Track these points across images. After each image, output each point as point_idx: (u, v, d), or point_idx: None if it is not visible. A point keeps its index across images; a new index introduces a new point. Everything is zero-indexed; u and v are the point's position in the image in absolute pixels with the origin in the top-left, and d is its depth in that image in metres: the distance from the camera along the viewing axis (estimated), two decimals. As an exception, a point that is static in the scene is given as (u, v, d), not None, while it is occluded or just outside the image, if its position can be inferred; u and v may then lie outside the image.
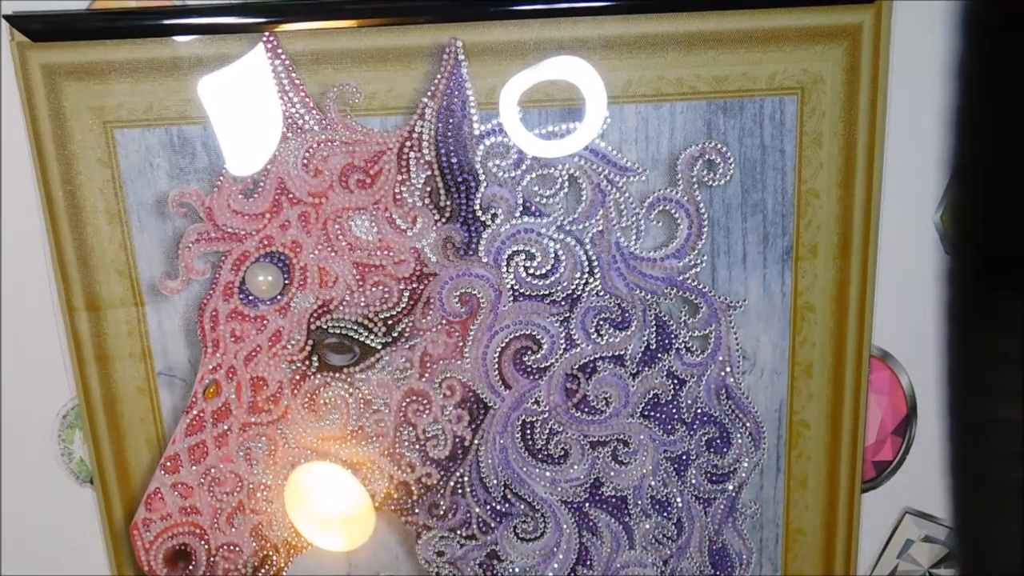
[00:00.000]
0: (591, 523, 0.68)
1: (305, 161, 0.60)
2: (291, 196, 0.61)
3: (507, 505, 0.67)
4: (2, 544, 0.72)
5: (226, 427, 0.64)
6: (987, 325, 0.30)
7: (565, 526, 0.68)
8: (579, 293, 0.63)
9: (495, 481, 0.66)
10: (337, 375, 0.64)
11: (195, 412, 0.64)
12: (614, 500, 0.68)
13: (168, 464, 0.64)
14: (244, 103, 0.60)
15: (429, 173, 0.60)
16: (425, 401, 0.64)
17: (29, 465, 0.69)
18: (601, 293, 0.63)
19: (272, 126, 0.60)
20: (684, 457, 0.67)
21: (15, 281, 0.65)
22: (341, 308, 0.62)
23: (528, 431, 0.66)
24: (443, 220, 0.61)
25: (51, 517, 0.71)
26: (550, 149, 0.61)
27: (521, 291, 0.63)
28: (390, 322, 0.63)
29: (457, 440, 0.65)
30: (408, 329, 0.63)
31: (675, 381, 0.66)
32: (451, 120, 0.60)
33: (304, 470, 0.66)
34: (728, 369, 0.66)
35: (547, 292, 0.63)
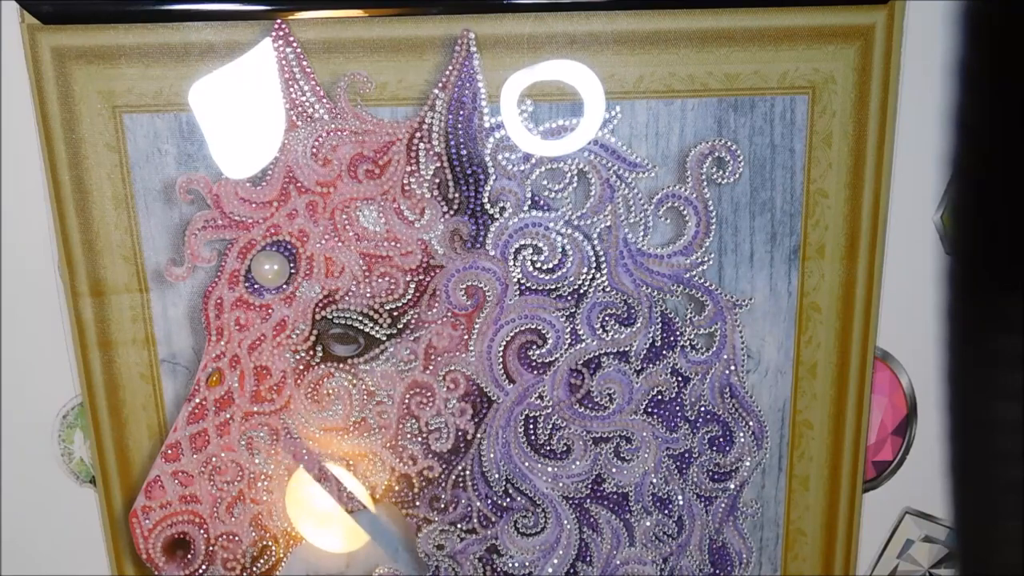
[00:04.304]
0: (592, 519, 0.68)
1: (314, 150, 0.60)
2: (299, 185, 0.60)
3: (508, 500, 0.67)
4: (2, 544, 0.71)
5: (228, 416, 0.64)
6: (987, 325, 0.30)
7: (566, 522, 0.68)
8: (585, 288, 0.63)
9: (497, 475, 0.66)
10: (341, 366, 0.63)
11: (197, 400, 0.64)
12: (615, 497, 0.68)
13: (169, 452, 0.64)
14: (254, 90, 0.59)
15: (438, 165, 0.60)
16: (428, 394, 0.64)
17: (29, 465, 0.69)
18: (607, 289, 0.63)
19: (281, 115, 0.59)
20: (686, 455, 0.67)
21: (19, 266, 0.64)
22: (347, 298, 0.62)
23: (531, 426, 0.66)
24: (451, 212, 0.61)
25: (51, 517, 0.70)
26: (550, 148, 0.61)
27: (527, 285, 0.63)
28: (395, 313, 0.63)
29: (460, 433, 0.65)
30: (413, 321, 0.63)
31: (679, 378, 0.66)
32: (462, 112, 0.59)
33: (303, 471, 0.65)
34: (733, 368, 0.66)
35: (553, 287, 0.63)
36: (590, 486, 0.67)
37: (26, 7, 0.57)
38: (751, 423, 0.67)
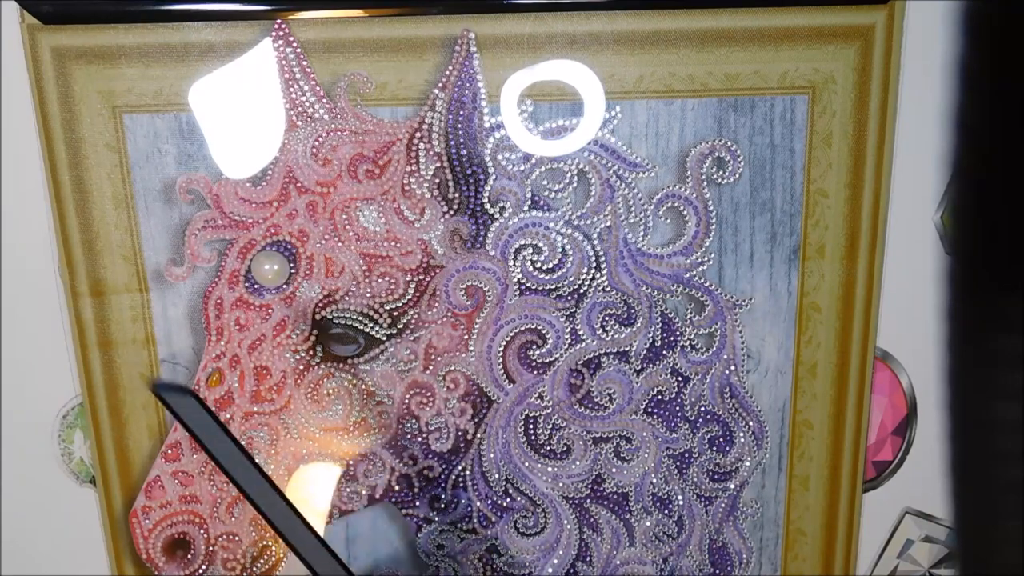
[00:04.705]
0: (592, 519, 0.68)
1: (314, 150, 0.60)
2: (299, 185, 0.60)
3: (508, 500, 0.67)
4: (2, 544, 0.71)
5: (228, 416, 0.64)
6: (987, 325, 0.30)
7: (566, 522, 0.68)
8: (585, 288, 0.63)
9: (497, 475, 0.66)
10: (341, 366, 0.63)
11: (197, 400, 0.64)
12: (615, 497, 0.68)
13: (169, 452, 0.64)
14: (254, 90, 0.59)
15: (438, 165, 0.60)
16: (428, 394, 0.64)
17: (29, 465, 0.69)
18: (607, 289, 0.63)
19: (281, 114, 0.59)
20: (686, 455, 0.67)
21: (19, 266, 0.64)
22: (347, 298, 0.62)
23: (531, 426, 0.66)
24: (451, 212, 0.61)
25: (51, 517, 0.70)
26: (550, 148, 0.61)
27: (527, 285, 0.63)
28: (395, 313, 0.63)
29: (460, 433, 0.65)
30: (413, 321, 0.63)
31: (679, 378, 0.66)
32: (462, 112, 0.59)
33: (303, 471, 0.65)
34: (732, 367, 0.66)
35: (553, 287, 0.63)
36: (590, 486, 0.67)
37: (26, 7, 0.57)
38: (751, 423, 0.67)
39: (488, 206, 0.61)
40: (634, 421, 0.66)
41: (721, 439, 0.67)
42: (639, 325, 0.64)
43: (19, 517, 0.71)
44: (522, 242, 0.62)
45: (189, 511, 0.65)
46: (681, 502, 0.68)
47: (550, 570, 0.69)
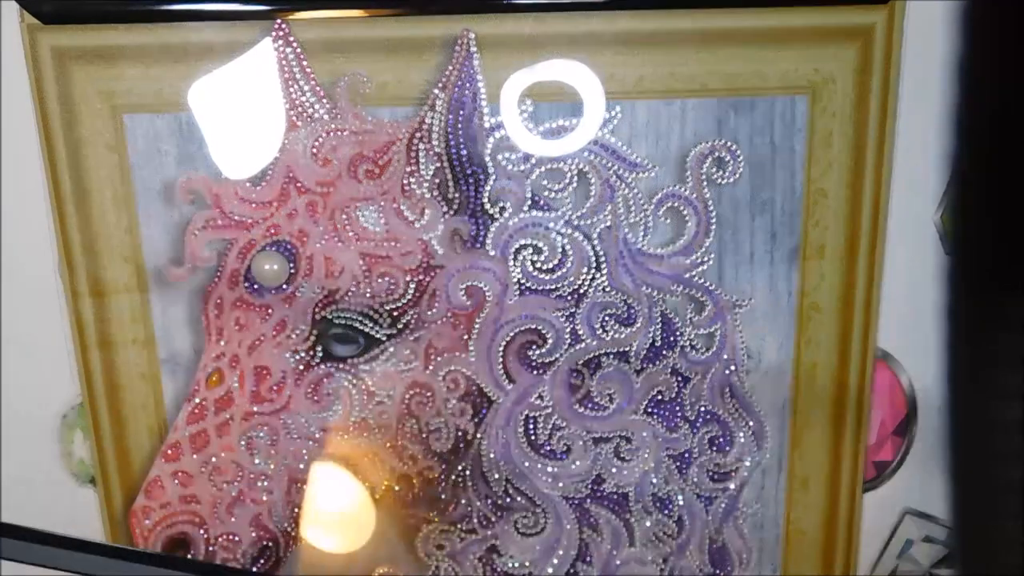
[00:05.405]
0: (592, 519, 0.68)
1: (314, 150, 0.60)
2: (299, 185, 0.60)
3: (508, 499, 0.67)
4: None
5: (228, 416, 0.64)
6: (987, 325, 0.30)
7: (566, 522, 0.68)
8: (585, 288, 0.63)
9: (496, 475, 0.66)
10: (341, 366, 0.63)
11: (197, 400, 0.64)
12: (615, 497, 0.68)
13: (169, 452, 0.64)
14: (254, 90, 0.59)
15: (438, 165, 0.60)
16: (428, 394, 0.64)
17: (29, 465, 0.69)
18: (607, 289, 0.63)
19: (281, 115, 0.59)
20: (686, 455, 0.67)
21: (19, 266, 0.64)
22: (347, 298, 0.62)
23: (531, 426, 0.66)
24: (451, 212, 0.61)
25: (51, 517, 0.70)
26: (550, 148, 0.61)
27: (527, 285, 0.63)
28: (395, 313, 0.63)
29: (460, 433, 0.65)
30: (413, 321, 0.63)
31: (679, 378, 0.66)
32: (462, 112, 0.59)
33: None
34: (732, 368, 0.66)
35: (553, 287, 0.63)
36: (590, 486, 0.67)
37: (26, 7, 0.57)
38: (751, 423, 0.67)
39: (488, 206, 0.61)
40: (634, 421, 0.66)
41: (721, 439, 0.67)
42: (639, 325, 0.64)
43: (19, 517, 0.71)
44: (522, 242, 0.62)
45: (189, 511, 0.65)
46: (681, 502, 0.68)
47: (550, 570, 0.69)
